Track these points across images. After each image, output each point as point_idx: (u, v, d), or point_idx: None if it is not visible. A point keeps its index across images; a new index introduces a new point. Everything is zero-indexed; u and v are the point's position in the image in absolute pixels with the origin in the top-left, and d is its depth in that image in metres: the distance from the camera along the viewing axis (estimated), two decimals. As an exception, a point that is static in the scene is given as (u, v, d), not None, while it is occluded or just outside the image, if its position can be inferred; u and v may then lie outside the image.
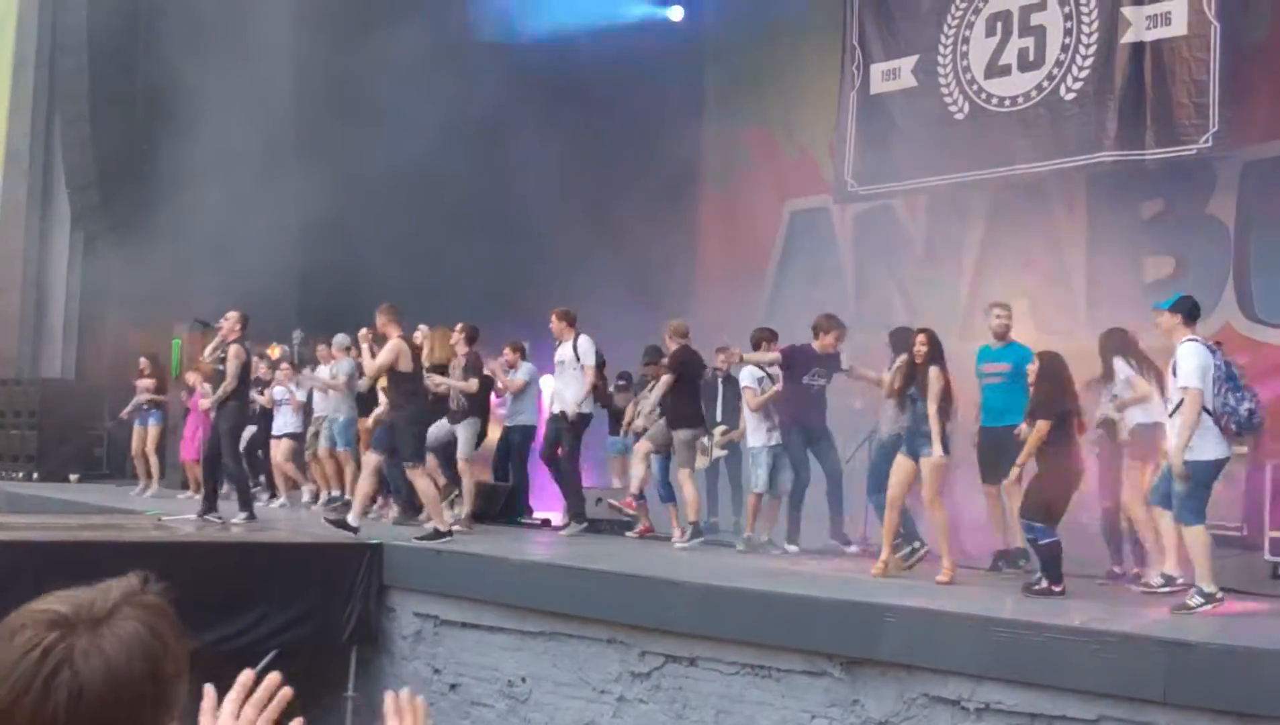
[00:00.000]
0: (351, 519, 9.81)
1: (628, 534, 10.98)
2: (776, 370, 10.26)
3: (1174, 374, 7.25)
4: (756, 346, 10.42)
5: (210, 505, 11.22)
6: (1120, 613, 6.94)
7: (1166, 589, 7.23)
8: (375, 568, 9.36)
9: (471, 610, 8.86)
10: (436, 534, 9.70)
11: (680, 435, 10.46)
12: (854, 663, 6.88)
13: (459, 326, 11.43)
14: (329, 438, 12.71)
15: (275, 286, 13.98)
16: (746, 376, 10.23)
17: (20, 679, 1.31)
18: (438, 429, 11.32)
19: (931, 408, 8.29)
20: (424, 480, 9.98)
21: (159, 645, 1.38)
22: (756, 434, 10.18)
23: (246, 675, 1.61)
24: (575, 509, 11.05)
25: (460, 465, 11.23)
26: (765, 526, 10.27)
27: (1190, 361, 7.11)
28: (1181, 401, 7.09)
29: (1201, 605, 6.90)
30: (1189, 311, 7.46)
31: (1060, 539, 7.79)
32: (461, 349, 11.35)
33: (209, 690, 1.60)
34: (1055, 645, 6.21)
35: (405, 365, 9.89)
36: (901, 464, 8.52)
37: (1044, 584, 7.68)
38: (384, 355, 9.89)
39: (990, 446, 9.16)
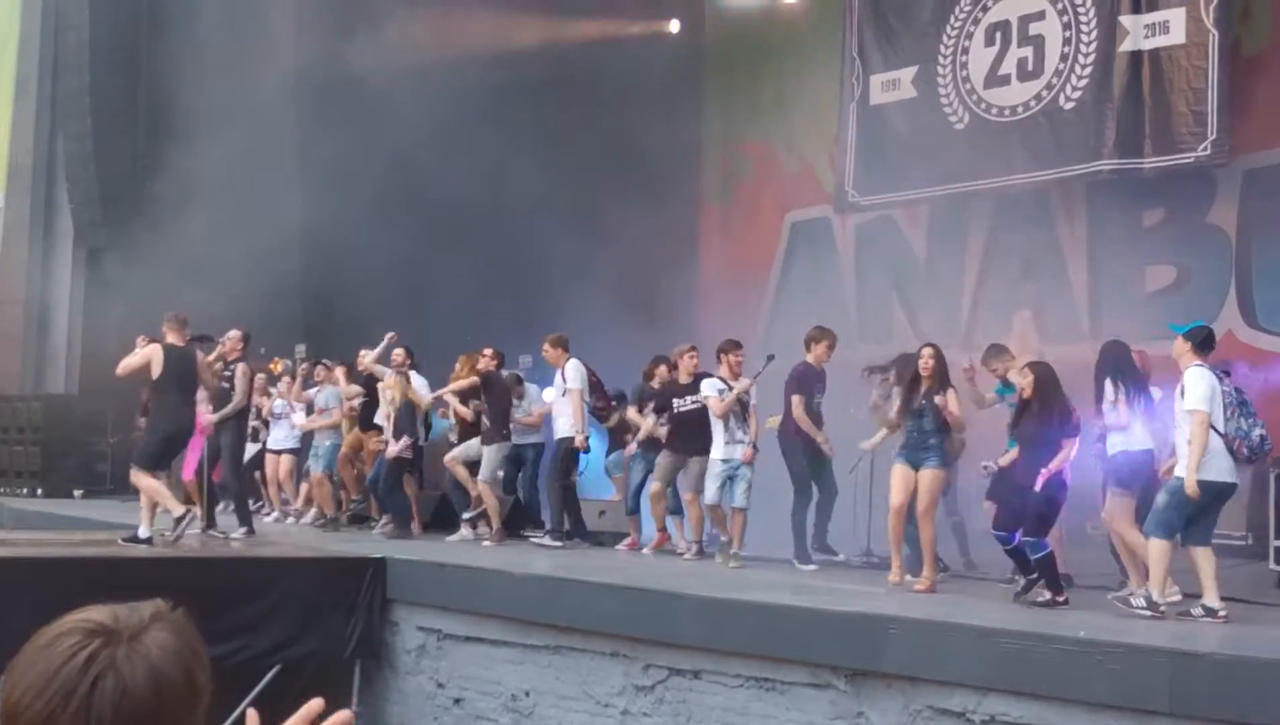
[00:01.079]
0: (142, 531, 9.85)
1: (640, 549, 10.99)
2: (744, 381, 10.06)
3: (1181, 397, 7.26)
4: (720, 358, 10.20)
5: (211, 521, 11.21)
6: (1125, 624, 6.93)
7: (1148, 613, 7.20)
8: (378, 582, 9.34)
9: (475, 624, 8.85)
10: (136, 539, 9.77)
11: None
12: (858, 675, 6.86)
13: (488, 351, 11.43)
14: (325, 462, 12.67)
15: (277, 301, 13.99)
16: (708, 387, 10.05)
17: (64, 685, 1.34)
18: (467, 448, 11.44)
19: (959, 435, 8.36)
20: (147, 481, 9.96)
21: (193, 656, 1.42)
22: (714, 447, 9.95)
23: (317, 704, 1.59)
24: (574, 527, 11.11)
25: (481, 486, 11.21)
26: (717, 532, 10.20)
27: (1198, 386, 7.16)
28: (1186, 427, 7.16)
29: (1143, 609, 7.05)
30: (1201, 342, 7.48)
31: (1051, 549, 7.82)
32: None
33: (252, 714, 1.61)
34: (1060, 656, 6.20)
35: (155, 372, 9.98)
36: (901, 472, 8.55)
37: (1048, 596, 7.67)
38: (134, 357, 10.17)
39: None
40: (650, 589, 8.14)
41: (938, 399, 8.43)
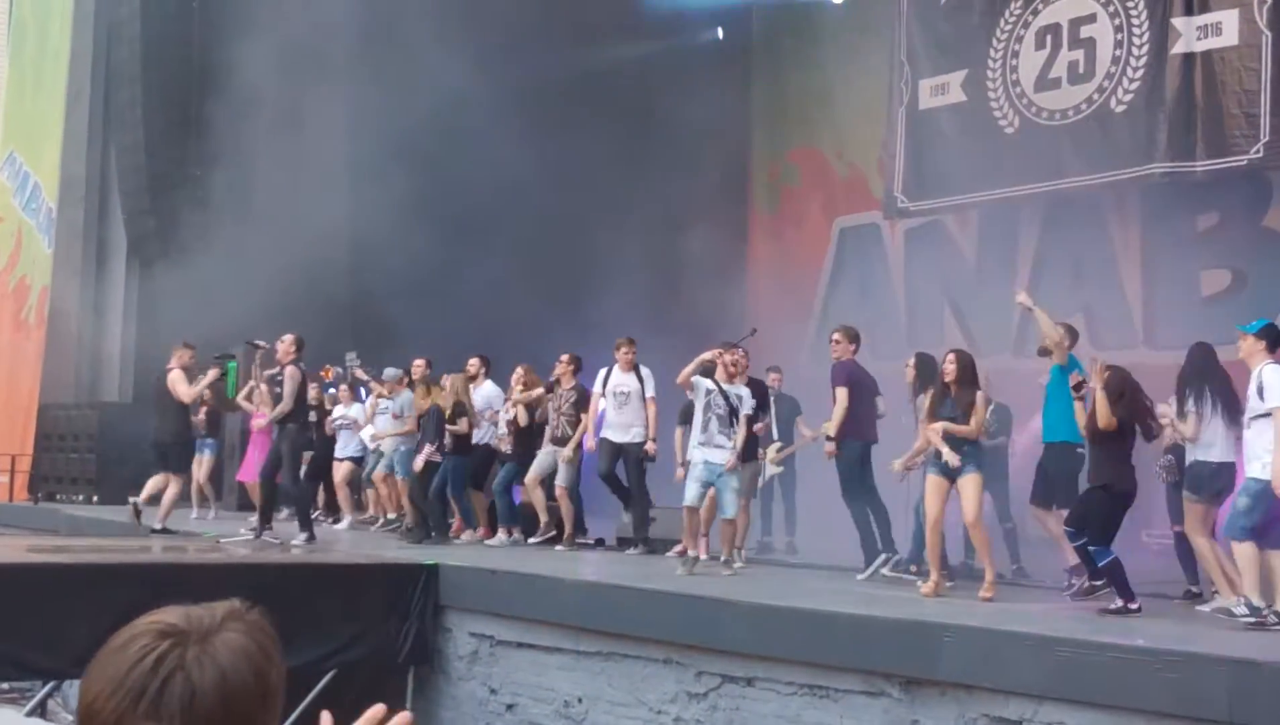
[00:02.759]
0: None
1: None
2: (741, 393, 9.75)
3: (1259, 397, 7.15)
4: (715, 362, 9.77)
5: (266, 524, 11.32)
6: (1185, 631, 6.86)
7: (1252, 619, 7.07)
8: (432, 588, 9.37)
9: (527, 630, 8.87)
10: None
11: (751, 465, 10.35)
12: (913, 682, 6.82)
13: (565, 357, 11.52)
14: (388, 463, 12.74)
15: (328, 309, 14.12)
16: (699, 386, 9.57)
17: (134, 685, 1.35)
18: (541, 465, 11.46)
19: (974, 430, 8.28)
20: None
21: (265, 657, 1.43)
22: (690, 445, 9.61)
23: (379, 709, 1.63)
24: (643, 533, 11.13)
25: (559, 491, 11.34)
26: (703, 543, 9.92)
27: (1277, 381, 7.05)
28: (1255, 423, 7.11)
29: (1246, 616, 6.91)
30: (1275, 339, 7.35)
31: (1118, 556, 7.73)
32: (568, 382, 11.47)
33: (325, 716, 1.62)
34: (1118, 665, 6.13)
35: None
36: (935, 483, 8.43)
37: (1119, 603, 7.58)
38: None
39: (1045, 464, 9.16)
40: (702, 595, 8.12)
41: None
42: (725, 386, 9.55)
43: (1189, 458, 7.93)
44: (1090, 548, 7.70)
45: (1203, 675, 5.87)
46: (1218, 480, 7.79)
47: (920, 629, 7.00)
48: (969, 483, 8.29)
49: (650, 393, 11.04)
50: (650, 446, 10.94)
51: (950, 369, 8.43)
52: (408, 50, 14.55)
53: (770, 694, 7.40)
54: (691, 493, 9.48)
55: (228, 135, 15.36)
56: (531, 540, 11.62)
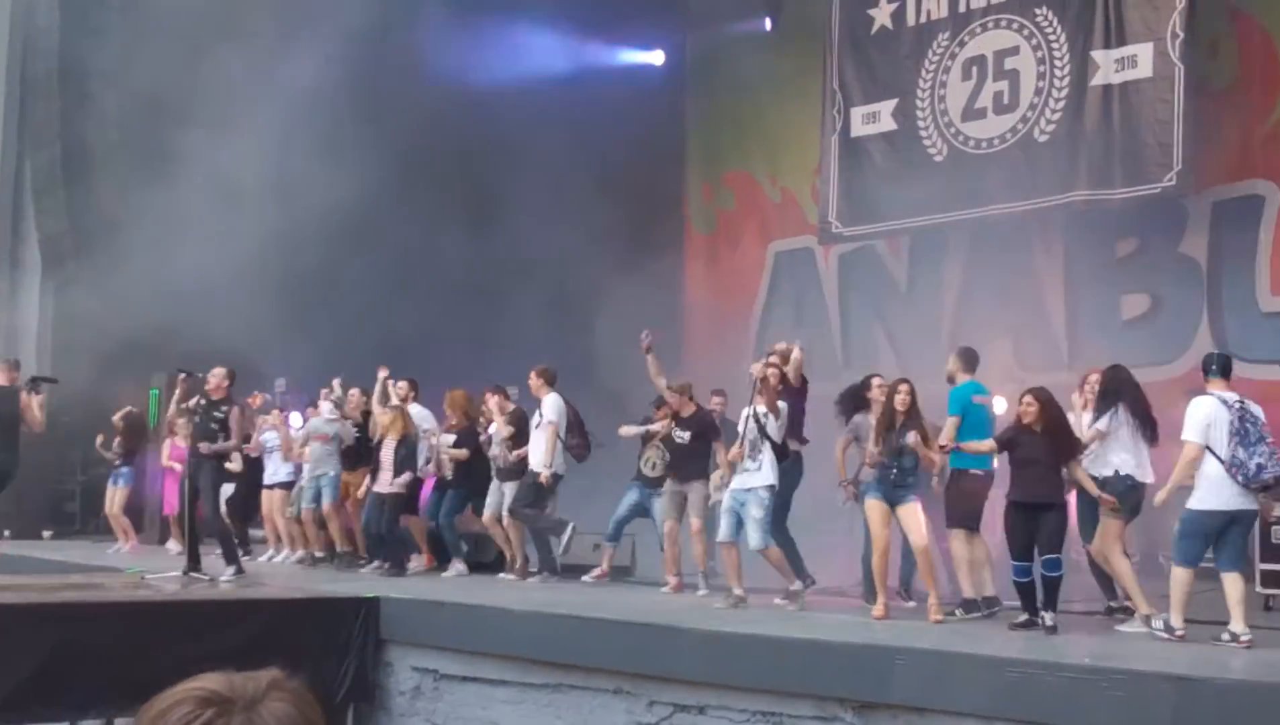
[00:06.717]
0: None
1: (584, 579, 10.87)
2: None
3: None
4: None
5: (195, 563, 10.94)
6: (1129, 649, 7.01)
7: (1231, 643, 7.19)
8: (372, 622, 9.09)
9: (472, 663, 8.72)
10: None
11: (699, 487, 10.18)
12: (865, 707, 6.85)
13: (491, 393, 11.41)
14: (314, 495, 12.38)
15: (255, 334, 13.84)
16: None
17: None
18: (494, 493, 11.23)
19: (936, 457, 8.43)
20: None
21: None
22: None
23: None
24: (546, 562, 11.04)
25: (506, 520, 11.13)
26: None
27: (1192, 415, 7.33)
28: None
29: (1160, 631, 7.31)
30: (1207, 367, 7.59)
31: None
32: (506, 407, 11.37)
33: None
34: (1066, 684, 6.24)
35: None
36: (881, 508, 8.48)
37: (1025, 617, 7.89)
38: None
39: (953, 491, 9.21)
40: (652, 624, 8.08)
41: (910, 438, 8.28)
42: (753, 408, 9.01)
43: (1101, 473, 8.12)
44: (1050, 557, 7.84)
45: (1147, 693, 6.01)
46: (1134, 496, 8.08)
47: (872, 653, 7.05)
48: (913, 511, 8.38)
49: (547, 417, 10.77)
50: (545, 475, 10.68)
51: (906, 400, 8.44)
52: (334, 70, 14.36)
53: (723, 722, 7.38)
54: (723, 527, 8.96)
55: (151, 153, 15.00)
56: (505, 575, 11.34)
